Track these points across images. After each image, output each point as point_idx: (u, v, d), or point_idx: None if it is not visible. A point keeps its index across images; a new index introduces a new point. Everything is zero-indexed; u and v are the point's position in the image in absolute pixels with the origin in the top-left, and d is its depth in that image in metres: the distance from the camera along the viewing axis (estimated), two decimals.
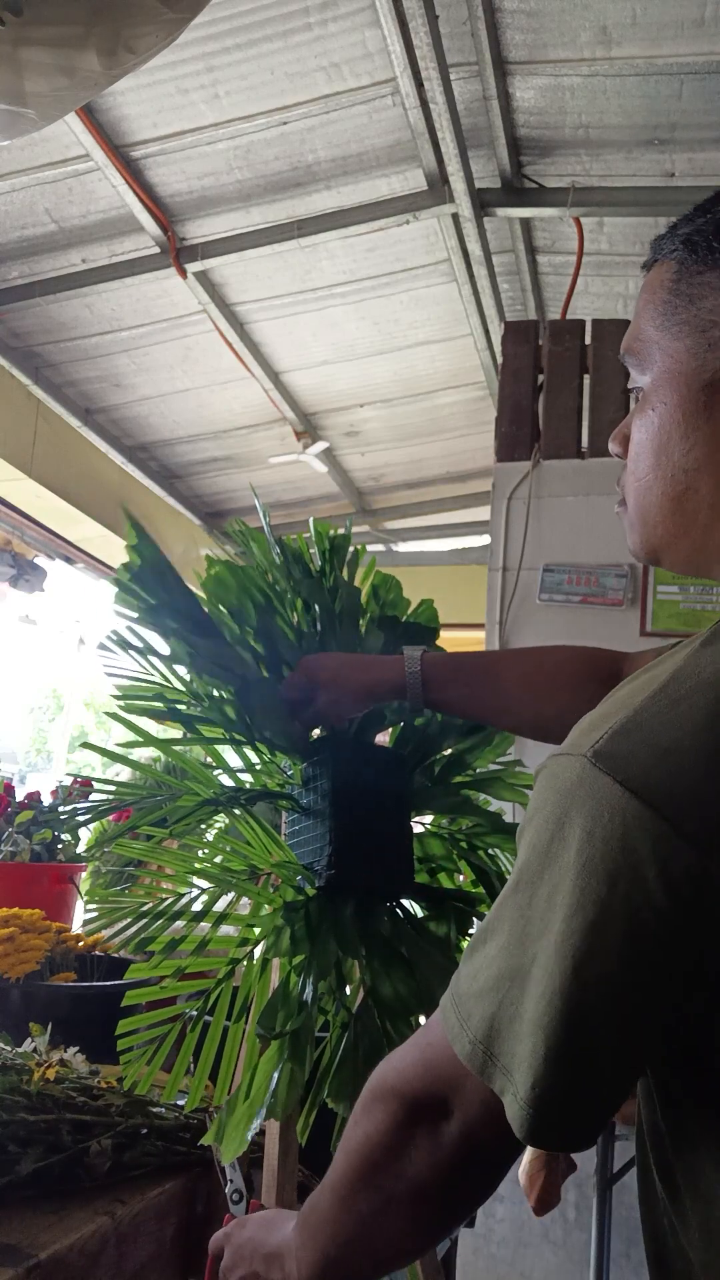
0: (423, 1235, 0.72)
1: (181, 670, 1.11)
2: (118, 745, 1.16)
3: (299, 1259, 0.75)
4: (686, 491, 0.71)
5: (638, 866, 0.55)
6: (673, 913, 0.54)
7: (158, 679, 1.11)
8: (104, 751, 1.17)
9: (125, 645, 1.10)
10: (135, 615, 1.09)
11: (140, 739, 1.13)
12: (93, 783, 1.51)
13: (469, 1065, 0.62)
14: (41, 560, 5.32)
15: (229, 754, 1.22)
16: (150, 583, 1.08)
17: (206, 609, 1.13)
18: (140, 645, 1.10)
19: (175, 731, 1.19)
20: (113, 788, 1.19)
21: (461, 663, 1.11)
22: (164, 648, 1.10)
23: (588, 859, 0.56)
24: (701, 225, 0.72)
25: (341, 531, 1.26)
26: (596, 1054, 0.58)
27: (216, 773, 1.20)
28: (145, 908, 1.08)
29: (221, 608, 1.15)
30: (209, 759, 1.23)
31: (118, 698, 1.10)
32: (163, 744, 1.15)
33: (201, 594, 1.15)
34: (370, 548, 1.62)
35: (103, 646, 1.10)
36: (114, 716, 1.10)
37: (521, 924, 0.60)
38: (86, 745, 1.20)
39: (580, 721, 0.63)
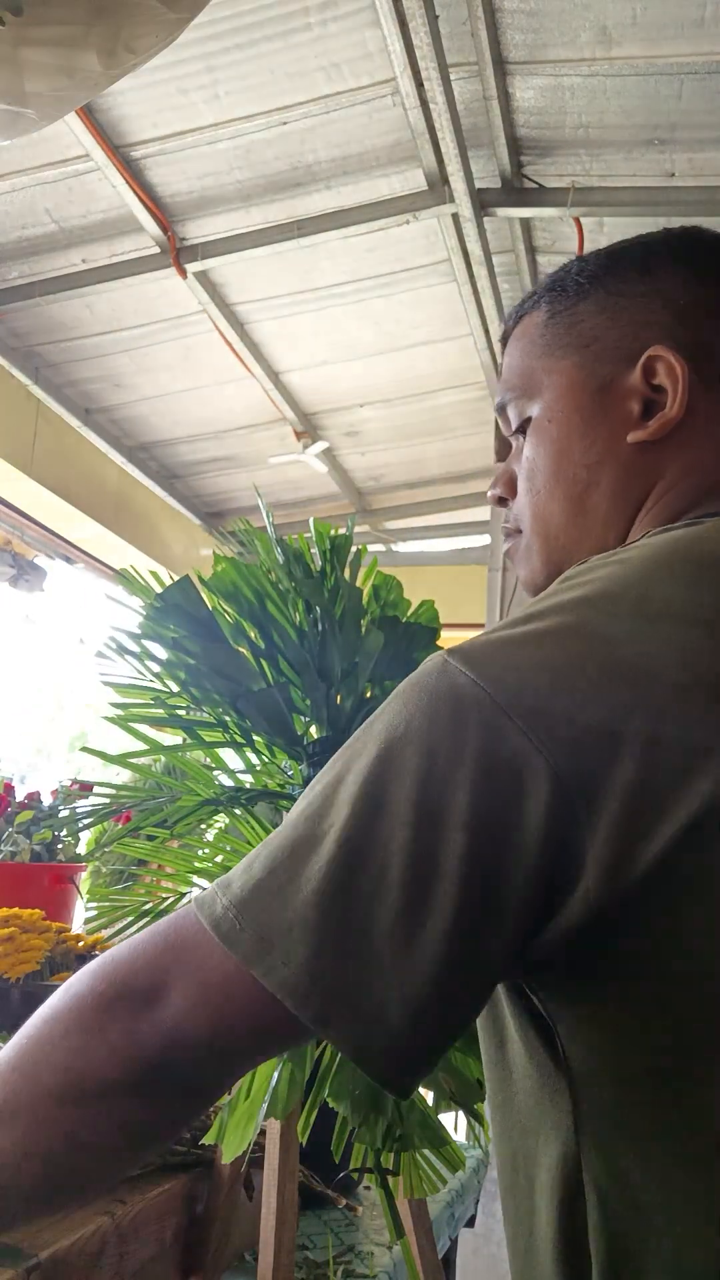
0: (86, 1153, 0.59)
1: (180, 674, 1.11)
2: (120, 754, 1.16)
3: None
4: (588, 488, 0.74)
5: (461, 737, 0.53)
6: (493, 796, 0.52)
7: (156, 685, 1.11)
8: (104, 755, 1.17)
9: (123, 652, 1.10)
10: (141, 616, 1.09)
11: (146, 746, 1.13)
12: (93, 785, 1.51)
13: (213, 931, 0.55)
14: (41, 560, 5.31)
15: (228, 756, 1.22)
16: (172, 596, 1.08)
17: (210, 605, 1.13)
18: (137, 651, 1.10)
19: (174, 735, 1.19)
20: (112, 790, 1.19)
21: None
22: (161, 654, 1.10)
23: (411, 722, 0.54)
24: (562, 273, 0.80)
25: (342, 532, 1.26)
26: (400, 923, 0.52)
27: (216, 774, 1.20)
28: (146, 907, 1.08)
29: (225, 605, 1.15)
30: (208, 761, 1.24)
31: (116, 706, 1.10)
32: (166, 750, 1.15)
33: (205, 594, 1.15)
34: (370, 548, 1.62)
35: (100, 654, 1.10)
36: (115, 723, 1.10)
37: (322, 790, 0.56)
38: (86, 749, 1.20)
39: None
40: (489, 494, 0.84)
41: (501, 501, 0.84)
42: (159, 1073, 0.57)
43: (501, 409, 0.81)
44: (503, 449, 0.87)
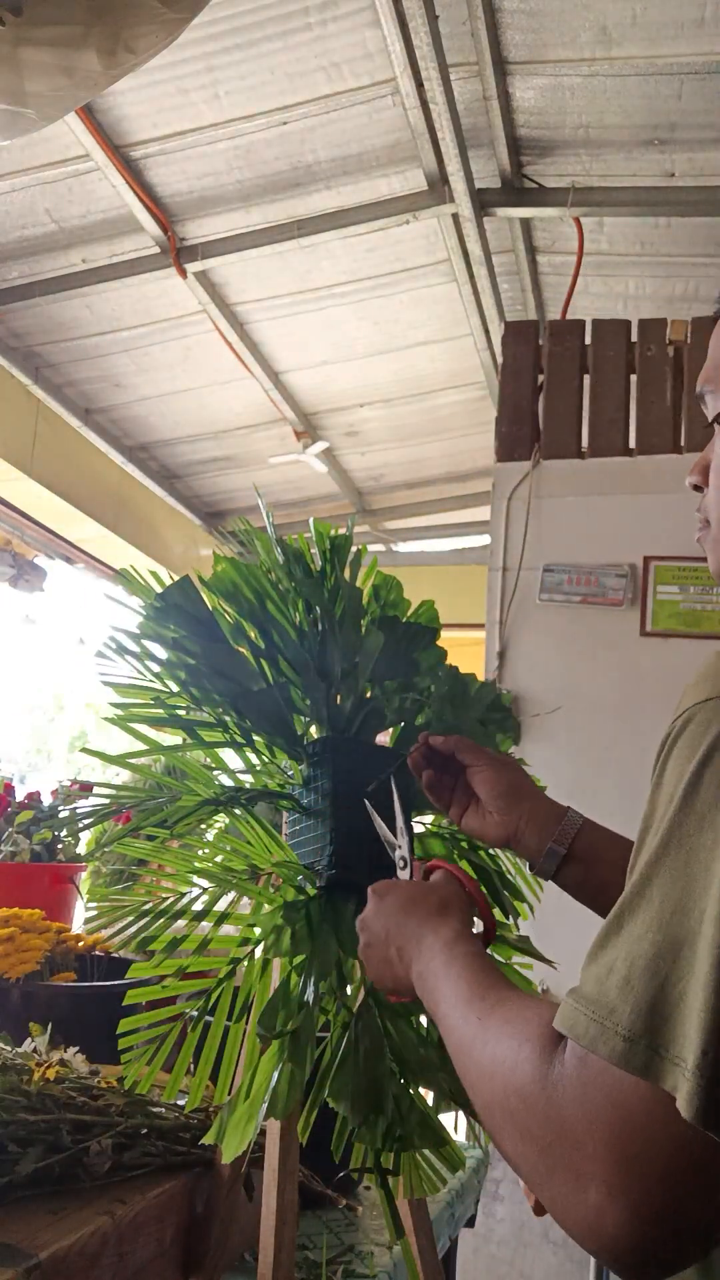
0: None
1: (180, 674, 1.11)
2: (121, 754, 1.16)
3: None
4: None
5: None
6: None
7: (156, 685, 1.11)
8: (104, 756, 1.17)
9: (123, 652, 1.10)
10: (143, 615, 1.09)
11: (147, 747, 1.13)
12: (93, 786, 1.51)
13: (624, 1067, 0.51)
14: (41, 560, 5.31)
15: (228, 756, 1.22)
16: (173, 596, 1.08)
17: (210, 605, 1.13)
18: (137, 651, 1.10)
19: (174, 735, 1.19)
20: (112, 790, 1.19)
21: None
22: (161, 654, 1.10)
23: None
24: None
25: (342, 532, 1.26)
26: None
27: (216, 774, 1.20)
28: (146, 907, 1.08)
29: (225, 605, 1.15)
30: (207, 760, 1.23)
31: (116, 706, 1.10)
32: (166, 750, 1.15)
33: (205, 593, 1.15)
34: (370, 548, 1.63)
35: (100, 654, 1.10)
36: (115, 723, 1.10)
37: (680, 886, 0.52)
38: (86, 750, 1.20)
39: (694, 679, 0.60)
40: (687, 480, 0.83)
41: (696, 488, 0.83)
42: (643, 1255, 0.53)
43: (700, 397, 0.81)
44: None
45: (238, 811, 1.14)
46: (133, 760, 1.20)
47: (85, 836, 2.19)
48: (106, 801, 1.16)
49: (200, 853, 1.18)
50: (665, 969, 0.51)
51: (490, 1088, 0.61)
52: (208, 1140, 1.05)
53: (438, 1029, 0.73)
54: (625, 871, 0.91)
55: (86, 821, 1.20)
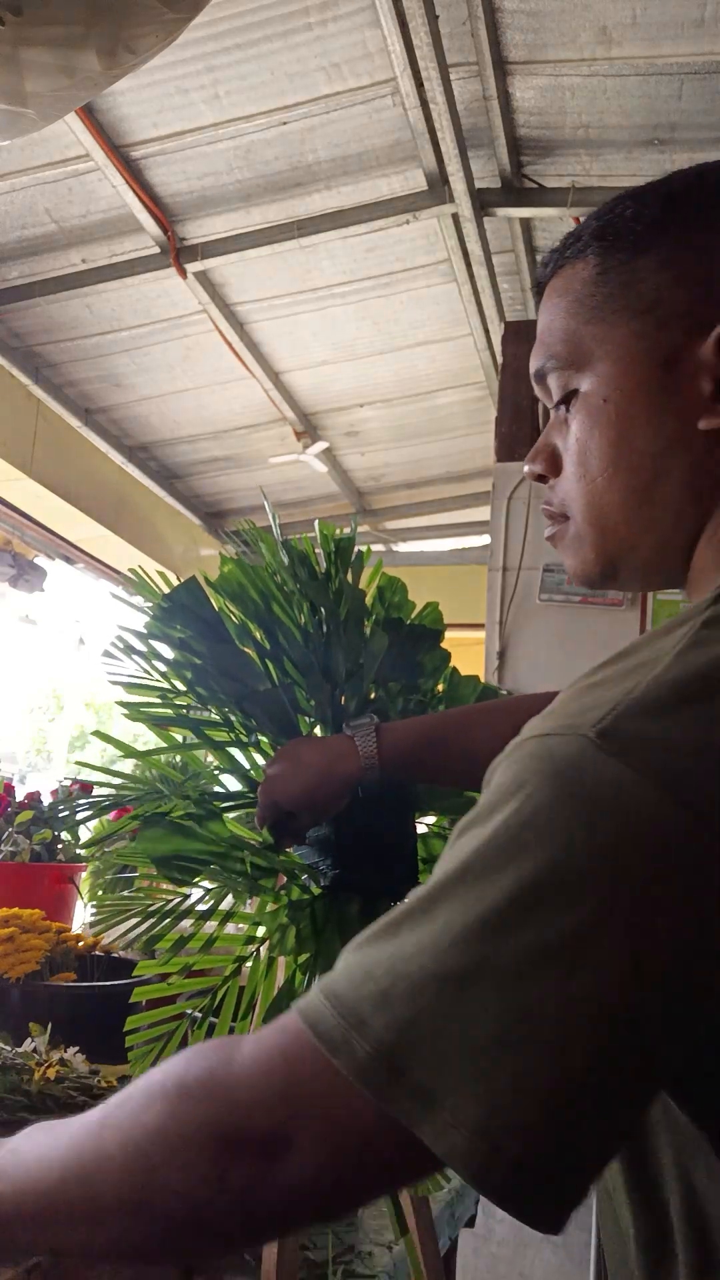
0: (139, 1255, 0.62)
1: (186, 673, 1.11)
2: (130, 747, 1.16)
3: None
4: (656, 479, 0.64)
5: (660, 863, 0.46)
6: (697, 925, 0.46)
7: (164, 684, 1.11)
8: (116, 743, 1.17)
9: (130, 651, 1.10)
10: (150, 616, 1.09)
11: (165, 743, 1.13)
12: (92, 786, 1.51)
13: (357, 1080, 0.48)
14: (41, 560, 5.32)
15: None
16: (179, 597, 1.09)
17: (216, 606, 1.13)
18: (144, 650, 1.10)
19: (179, 734, 1.19)
20: (115, 784, 1.19)
21: (426, 732, 1.02)
22: (168, 654, 1.10)
23: (591, 852, 0.47)
24: (612, 219, 0.67)
25: (346, 532, 1.26)
26: (597, 1088, 0.46)
27: (220, 774, 1.20)
28: (152, 907, 1.08)
29: (231, 606, 1.15)
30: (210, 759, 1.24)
31: (123, 705, 1.11)
32: (181, 748, 1.15)
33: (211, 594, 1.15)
34: (370, 548, 1.63)
35: (107, 654, 1.10)
36: (133, 718, 1.10)
37: (478, 918, 0.48)
38: (98, 734, 1.20)
39: (561, 697, 0.55)
40: (525, 469, 0.73)
41: (540, 478, 0.73)
42: (274, 1226, 0.54)
43: (539, 377, 0.70)
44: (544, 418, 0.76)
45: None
46: (144, 755, 1.20)
47: (86, 836, 2.19)
48: (108, 795, 1.16)
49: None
50: (426, 1001, 0.48)
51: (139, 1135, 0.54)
52: None
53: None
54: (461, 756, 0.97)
55: (85, 814, 1.21)
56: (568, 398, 0.68)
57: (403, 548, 6.51)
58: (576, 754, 0.49)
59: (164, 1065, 0.57)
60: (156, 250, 3.64)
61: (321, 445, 5.02)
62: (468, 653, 2.21)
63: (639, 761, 0.47)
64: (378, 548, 6.39)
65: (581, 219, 2.99)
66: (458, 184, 3.19)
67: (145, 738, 1.20)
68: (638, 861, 0.46)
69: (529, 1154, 0.45)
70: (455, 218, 3.43)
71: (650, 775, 0.47)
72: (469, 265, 3.68)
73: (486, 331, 4.11)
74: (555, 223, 3.56)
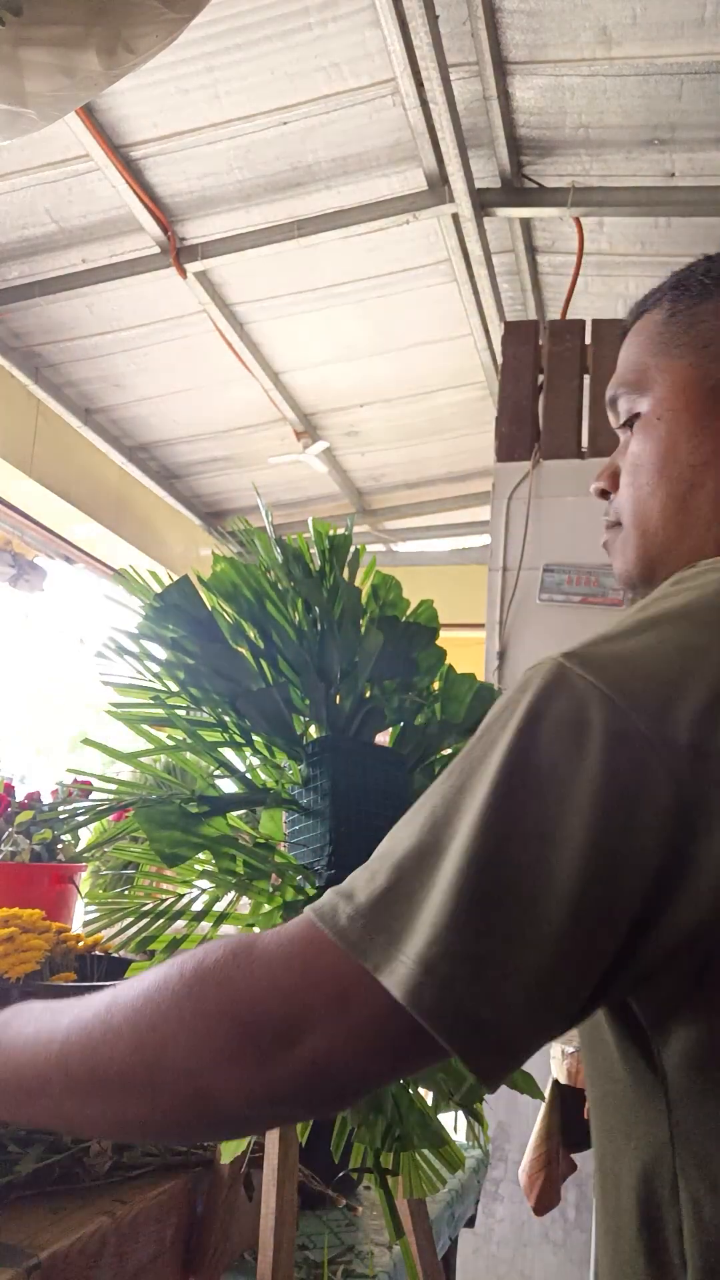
0: (157, 1133, 0.68)
1: (179, 674, 1.11)
2: (121, 752, 1.16)
3: None
4: (692, 488, 0.74)
5: (606, 747, 0.53)
6: (621, 792, 0.53)
7: (155, 685, 1.11)
8: (105, 749, 1.17)
9: (122, 652, 1.10)
10: (142, 616, 1.09)
11: (153, 745, 1.13)
12: (92, 784, 1.51)
13: (340, 942, 0.55)
14: (41, 560, 5.31)
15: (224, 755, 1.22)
16: (173, 596, 1.08)
17: (209, 605, 1.13)
18: (136, 651, 1.10)
19: (173, 735, 1.19)
20: (113, 787, 1.19)
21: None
22: (161, 654, 1.10)
23: (539, 743, 0.54)
24: (688, 273, 0.80)
25: (341, 531, 1.26)
26: (519, 930, 0.52)
27: (216, 774, 1.20)
28: (146, 907, 1.08)
29: (224, 605, 1.15)
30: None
31: (116, 705, 1.10)
32: (170, 749, 1.15)
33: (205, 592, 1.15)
34: (370, 548, 1.63)
35: (99, 654, 1.10)
36: (122, 721, 1.10)
37: (444, 800, 0.56)
38: (88, 742, 1.20)
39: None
40: (592, 487, 0.84)
41: (604, 494, 0.84)
42: (280, 1107, 0.59)
43: (613, 402, 0.82)
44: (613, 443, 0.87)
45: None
46: (137, 758, 1.20)
47: (86, 837, 2.19)
48: (107, 798, 1.16)
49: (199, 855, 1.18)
50: (410, 866, 0.55)
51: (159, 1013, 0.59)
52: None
53: None
54: None
55: (84, 817, 1.20)
56: (631, 420, 0.80)
57: (403, 548, 6.50)
58: (546, 669, 0.58)
59: (178, 956, 0.62)
60: (156, 250, 3.64)
61: (321, 445, 5.02)
62: (468, 653, 2.21)
63: (592, 670, 0.56)
64: (378, 548, 6.39)
65: (581, 219, 2.96)
66: (458, 184, 3.19)
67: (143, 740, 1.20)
68: (587, 742, 0.54)
69: (457, 971, 0.51)
70: (455, 218, 3.43)
71: (600, 677, 0.56)
72: (469, 265, 3.68)
73: (486, 331, 4.11)
74: (555, 223, 3.56)
